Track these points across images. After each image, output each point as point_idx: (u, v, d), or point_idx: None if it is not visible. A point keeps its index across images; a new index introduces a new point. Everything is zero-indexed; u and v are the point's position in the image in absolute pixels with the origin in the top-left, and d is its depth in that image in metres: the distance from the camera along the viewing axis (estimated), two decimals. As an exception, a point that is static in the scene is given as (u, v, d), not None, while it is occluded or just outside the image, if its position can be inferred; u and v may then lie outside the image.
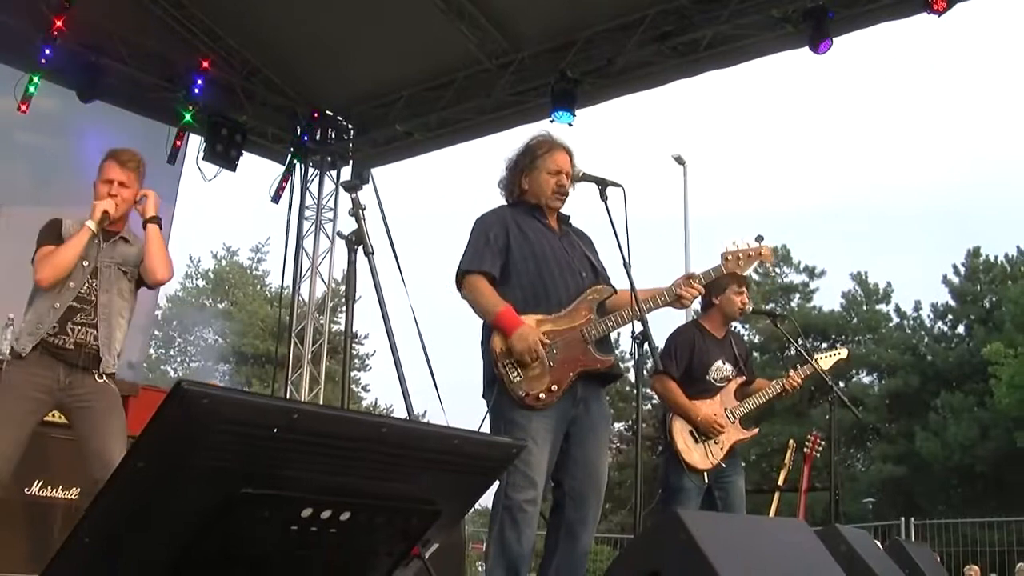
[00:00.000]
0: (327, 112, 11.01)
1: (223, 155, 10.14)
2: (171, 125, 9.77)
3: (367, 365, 38.30)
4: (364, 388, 38.21)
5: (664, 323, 6.84)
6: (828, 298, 37.16)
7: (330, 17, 9.49)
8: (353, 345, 36.42)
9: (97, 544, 1.81)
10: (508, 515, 4.07)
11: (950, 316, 34.50)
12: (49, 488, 5.73)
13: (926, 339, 34.43)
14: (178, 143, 9.84)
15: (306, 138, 10.94)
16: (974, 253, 34.47)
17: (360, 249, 3.41)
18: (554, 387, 4.16)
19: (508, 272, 4.36)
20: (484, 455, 2.35)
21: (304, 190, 11.34)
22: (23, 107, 8.82)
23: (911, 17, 7.99)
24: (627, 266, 4.20)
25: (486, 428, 4.25)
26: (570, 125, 9.09)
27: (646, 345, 4.14)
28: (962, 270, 34.47)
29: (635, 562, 3.11)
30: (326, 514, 2.05)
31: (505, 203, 4.65)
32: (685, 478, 5.71)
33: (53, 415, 4.87)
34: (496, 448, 2.40)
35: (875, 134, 62.35)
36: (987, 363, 27.26)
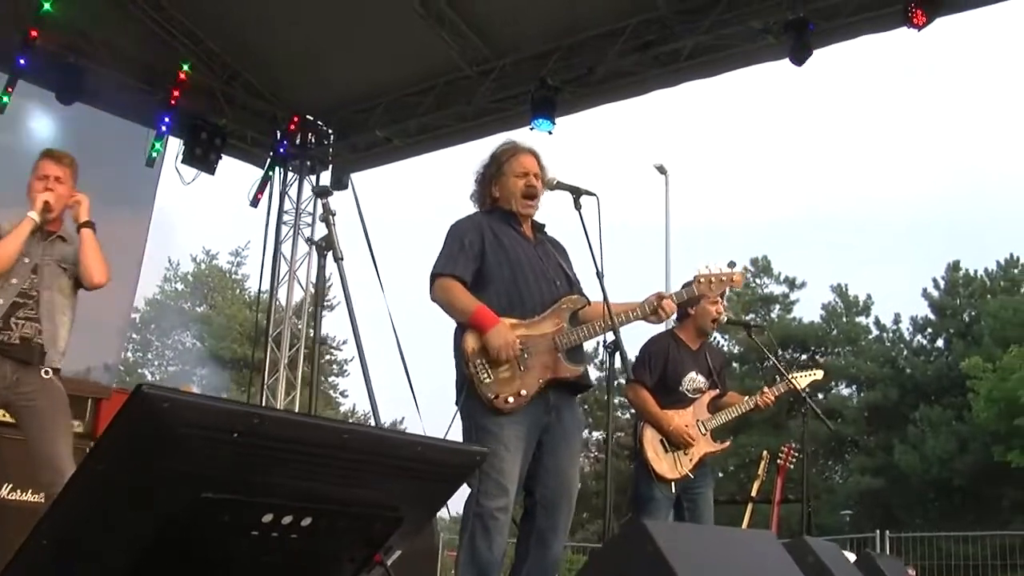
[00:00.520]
0: (307, 116, 11.02)
1: (202, 158, 10.13)
2: (150, 128, 9.73)
3: (345, 371, 38.23)
4: (342, 394, 38.18)
5: (641, 333, 6.88)
6: (808, 310, 37.31)
7: (311, 22, 9.51)
8: (331, 351, 36.52)
9: (55, 547, 1.82)
10: (479, 522, 4.07)
11: (929, 329, 34.70)
12: (18, 492, 5.70)
13: (905, 352, 34.61)
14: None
15: (286, 142, 10.95)
16: (954, 267, 34.70)
17: (330, 255, 3.43)
18: (523, 392, 4.16)
19: (483, 278, 4.37)
20: (448, 462, 2.36)
21: (283, 194, 11.35)
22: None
23: (892, 31, 8.06)
24: (600, 276, 4.22)
25: (456, 434, 4.26)
26: (550, 133, 9.11)
27: (618, 355, 4.16)
28: (942, 283, 34.69)
29: (601, 572, 3.13)
30: (287, 519, 2.06)
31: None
32: (655, 488, 5.74)
33: (4, 415, 4.88)
34: (460, 455, 2.42)
35: (857, 145, 62.57)
36: (966, 377, 27.40)
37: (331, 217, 3.47)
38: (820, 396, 32.97)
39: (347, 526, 2.22)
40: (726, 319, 6.21)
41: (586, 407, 34.18)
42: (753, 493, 7.60)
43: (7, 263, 4.57)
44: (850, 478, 33.01)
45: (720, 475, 29.32)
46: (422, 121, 10.33)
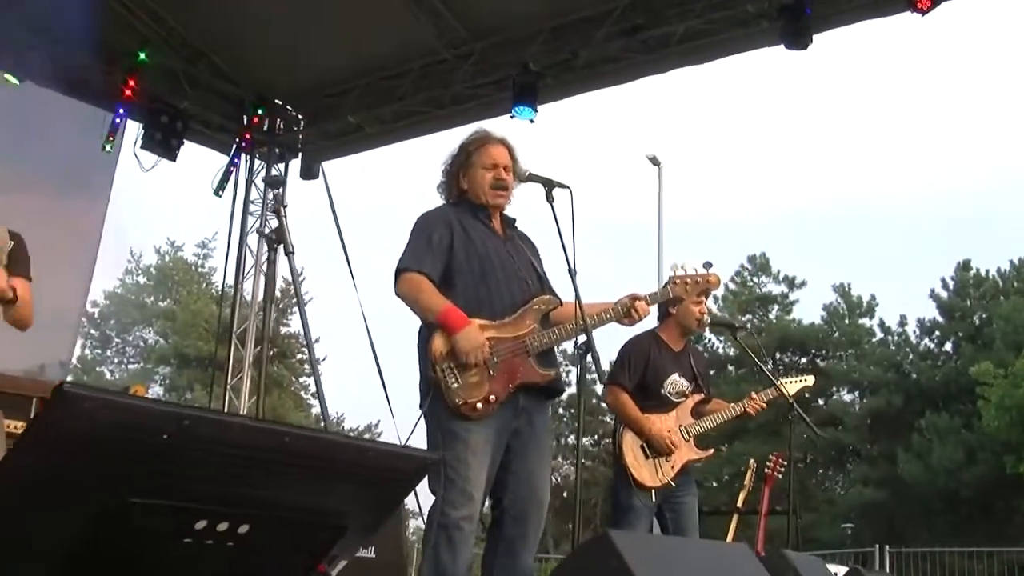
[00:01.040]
0: (275, 101, 10.96)
1: (162, 143, 10.04)
2: (107, 111, 9.69)
3: (317, 371, 38.15)
4: (313, 395, 38.12)
5: (620, 334, 6.88)
6: (808, 310, 37.54)
7: (279, 0, 9.50)
8: (302, 349, 36.51)
9: (-29, 556, 1.83)
10: (444, 533, 4.07)
11: (937, 332, 34.83)
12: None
13: (911, 356, 34.74)
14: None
15: (252, 128, 10.91)
16: (964, 266, 34.82)
17: (280, 248, 3.45)
18: (492, 397, 4.17)
19: (450, 275, 4.38)
20: (396, 467, 2.38)
21: (249, 183, 11.30)
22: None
23: (895, 15, 8.10)
24: (572, 273, 4.24)
25: (420, 440, 4.27)
26: (532, 121, 9.13)
27: (590, 356, 4.18)
28: (951, 284, 34.83)
29: (565, 584, 3.15)
30: (223, 526, 2.07)
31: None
32: (634, 497, 5.77)
33: None
34: (409, 460, 2.43)
35: (862, 138, 62.71)
36: (975, 383, 27.42)
37: (282, 208, 3.49)
38: (820, 402, 33.12)
39: (288, 534, 2.23)
40: (709, 319, 6.24)
41: (572, 411, 34.27)
42: (739, 504, 7.65)
43: None
44: (851, 489, 33.16)
45: (714, 484, 29.50)
46: (397, 107, 10.31)
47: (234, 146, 10.95)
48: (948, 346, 34.48)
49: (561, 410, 34.62)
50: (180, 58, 10.15)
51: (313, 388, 38.05)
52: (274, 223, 3.48)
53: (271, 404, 30.59)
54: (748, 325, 31.70)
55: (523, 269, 4.51)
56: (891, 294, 53.24)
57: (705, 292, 5.26)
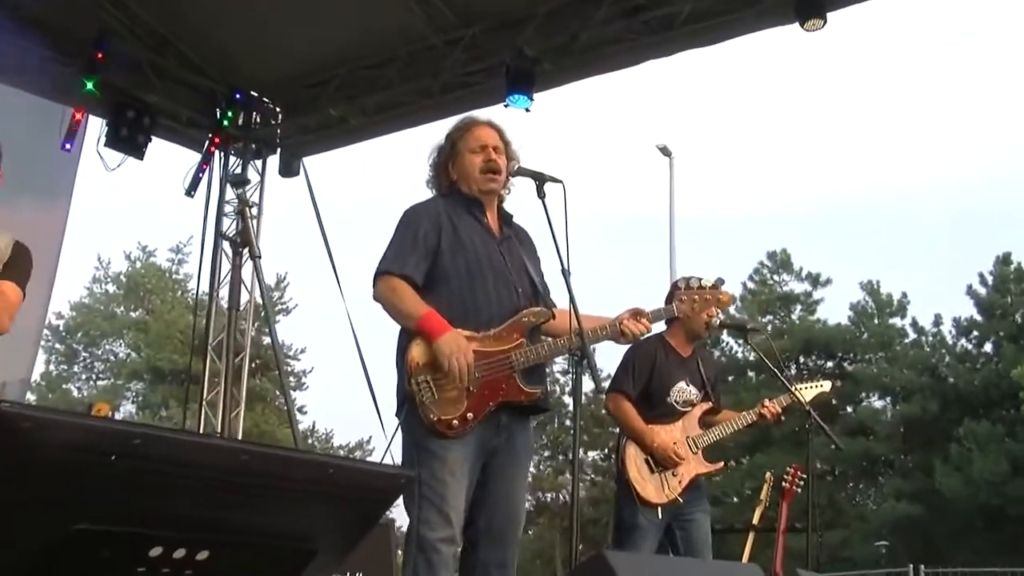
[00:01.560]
0: (251, 93, 10.98)
1: (128, 141, 10.04)
2: (66, 105, 9.69)
3: (303, 384, 38.34)
4: (300, 410, 38.18)
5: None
6: (834, 310, 37.44)
7: (253, -17, 9.53)
8: (287, 361, 36.57)
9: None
10: (422, 556, 4.08)
11: (975, 332, 34.77)
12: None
13: (947, 358, 34.68)
14: (78, 117, 9.65)
15: (226, 123, 10.90)
16: (1004, 260, 34.71)
17: (246, 252, 3.47)
18: (469, 415, 4.16)
19: (434, 278, 4.38)
20: (367, 486, 2.40)
21: (224, 182, 11.31)
22: None
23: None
24: (566, 275, 4.23)
25: (392, 456, 4.28)
26: (527, 111, 9.15)
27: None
28: (990, 279, 34.75)
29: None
30: (179, 553, 2.09)
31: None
32: (639, 514, 5.79)
33: None
34: (381, 478, 2.45)
35: (890, 122, 62.79)
36: (1018, 387, 27.39)
37: (247, 209, 3.51)
38: (848, 409, 33.10)
39: (251, 559, 2.25)
40: (718, 322, 6.25)
41: (581, 423, 34.19)
42: (754, 521, 7.66)
43: None
44: (884, 504, 33.10)
45: (733, 500, 29.45)
46: (381, 98, 10.32)
47: (206, 142, 10.95)
48: (988, 347, 34.40)
49: (568, 422, 34.61)
50: (146, 48, 10.13)
51: (300, 402, 38.20)
52: (239, 225, 3.48)
53: (254, 420, 30.64)
54: (769, 327, 31.78)
55: (515, 273, 4.49)
56: (924, 291, 53.31)
57: (716, 308, 5.31)
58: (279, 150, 11.33)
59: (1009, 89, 62.96)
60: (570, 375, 4.44)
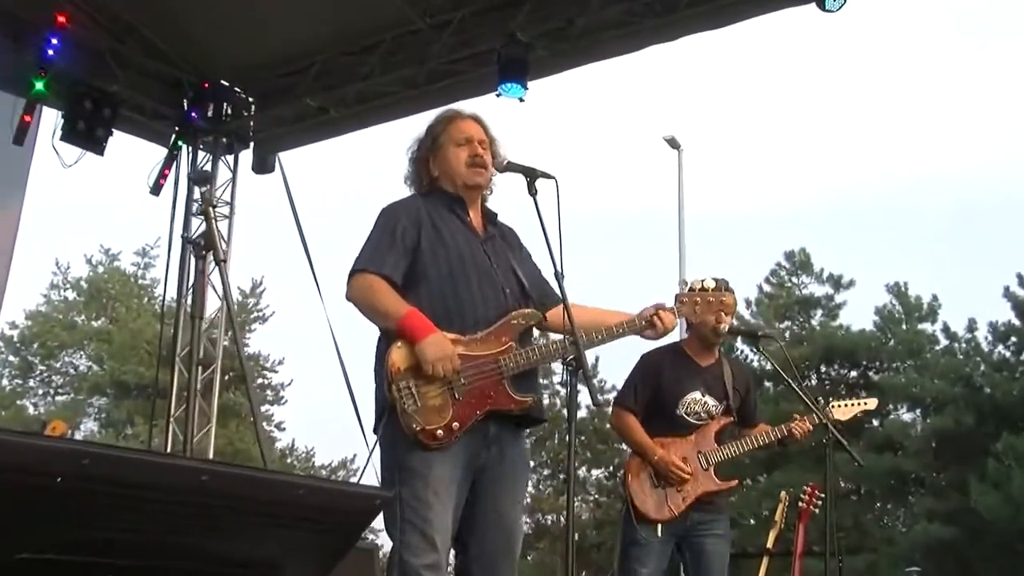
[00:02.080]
0: (221, 82, 10.99)
1: (87, 134, 10.00)
2: (17, 96, 9.67)
3: (282, 397, 38.25)
4: (278, 426, 38.16)
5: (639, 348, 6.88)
6: (858, 315, 37.26)
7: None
8: (263, 373, 36.56)
9: None
10: None
11: (1013, 338, 34.66)
12: None
13: (982, 367, 34.55)
14: (27, 118, 9.65)
15: (195, 114, 10.89)
16: (1043, 260, 34.71)
17: (210, 256, 3.47)
18: (455, 425, 4.14)
19: (414, 280, 4.38)
20: (340, 508, 2.40)
21: (193, 179, 11.31)
22: None
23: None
24: (559, 277, 4.21)
25: (377, 474, 4.27)
26: (521, 100, 9.17)
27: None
28: (1029, 281, 34.72)
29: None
30: (133, 582, 2.09)
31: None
32: (638, 531, 5.82)
33: None
34: (355, 499, 2.46)
35: (916, 113, 62.59)
36: (1062, 398, 27.32)
37: (211, 209, 3.52)
38: (875, 423, 33.05)
39: (212, 589, 2.25)
40: (726, 328, 6.25)
41: (583, 438, 34.29)
42: (769, 544, 7.67)
43: None
44: (915, 526, 32.98)
45: (750, 522, 29.41)
46: (362, 87, 10.33)
47: (172, 136, 10.94)
48: (1027, 354, 34.38)
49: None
50: (106, 33, 10.12)
51: (278, 418, 38.18)
52: (203, 227, 3.48)
53: (227, 437, 30.57)
54: (787, 334, 31.77)
55: (502, 274, 4.50)
56: (956, 294, 52.98)
57: (719, 314, 5.35)
58: (252, 144, 11.36)
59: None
60: (568, 386, 4.41)
